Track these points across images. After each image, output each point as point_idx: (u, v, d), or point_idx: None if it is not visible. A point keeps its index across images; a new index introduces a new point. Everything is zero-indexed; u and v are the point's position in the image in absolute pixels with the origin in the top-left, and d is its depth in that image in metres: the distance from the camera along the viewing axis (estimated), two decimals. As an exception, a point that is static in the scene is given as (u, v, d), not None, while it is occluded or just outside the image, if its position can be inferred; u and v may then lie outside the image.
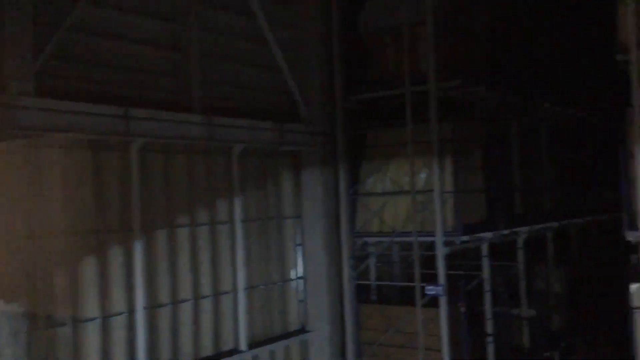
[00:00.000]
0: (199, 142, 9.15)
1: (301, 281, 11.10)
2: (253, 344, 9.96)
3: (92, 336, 8.06)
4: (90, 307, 8.06)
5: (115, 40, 8.43)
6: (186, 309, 9.18)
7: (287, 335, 10.70)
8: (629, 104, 8.82)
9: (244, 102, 10.20)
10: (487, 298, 11.05)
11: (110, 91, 8.25)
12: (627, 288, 9.03)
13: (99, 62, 8.22)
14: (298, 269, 11.11)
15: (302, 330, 10.99)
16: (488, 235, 11.02)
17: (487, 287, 11.04)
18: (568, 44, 14.45)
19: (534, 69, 12.79)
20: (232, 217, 9.85)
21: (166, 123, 8.50)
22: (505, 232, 11.48)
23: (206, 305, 9.47)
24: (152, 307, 8.70)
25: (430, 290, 10.03)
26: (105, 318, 8.22)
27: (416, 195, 10.53)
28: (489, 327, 11.05)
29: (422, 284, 10.16)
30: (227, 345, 9.71)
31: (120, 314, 8.36)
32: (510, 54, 12.12)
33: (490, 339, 11.02)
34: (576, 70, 14.56)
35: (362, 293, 11.49)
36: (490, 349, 11.01)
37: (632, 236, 8.83)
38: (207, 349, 9.45)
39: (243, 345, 9.74)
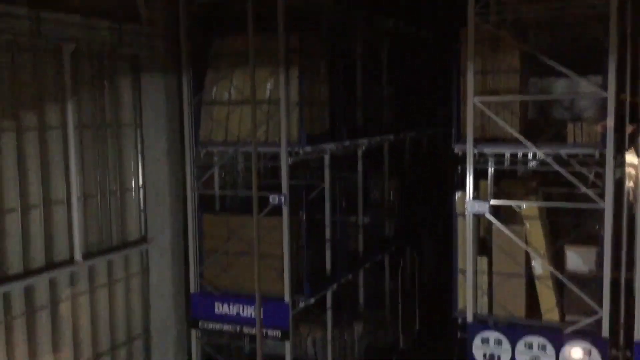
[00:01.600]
0: (23, 38, 8.26)
1: (142, 190, 10.79)
2: (89, 255, 9.63)
3: None
4: None
5: None
6: (12, 220, 8.54)
7: (126, 245, 10.45)
8: (464, 24, 9.29)
9: (77, -3, 9.32)
10: (327, 207, 11.53)
11: None
12: (453, 195, 9.89)
13: None
14: (139, 178, 10.75)
15: (143, 239, 10.78)
16: (331, 146, 11.35)
17: (327, 196, 11.48)
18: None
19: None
20: (64, 122, 9.18)
21: (-17, 14, 7.59)
22: (347, 143, 11.90)
23: (35, 215, 8.88)
24: (-27, 217, 8.03)
25: (274, 199, 10.25)
26: None
27: (262, 106, 10.47)
28: (328, 234, 11.61)
29: (266, 193, 10.33)
30: (61, 257, 9.28)
31: None
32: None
33: (328, 245, 11.60)
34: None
35: (206, 203, 11.45)
36: (328, 255, 11.61)
37: (459, 148, 9.57)
38: (38, 261, 8.94)
39: (78, 256, 9.37)
